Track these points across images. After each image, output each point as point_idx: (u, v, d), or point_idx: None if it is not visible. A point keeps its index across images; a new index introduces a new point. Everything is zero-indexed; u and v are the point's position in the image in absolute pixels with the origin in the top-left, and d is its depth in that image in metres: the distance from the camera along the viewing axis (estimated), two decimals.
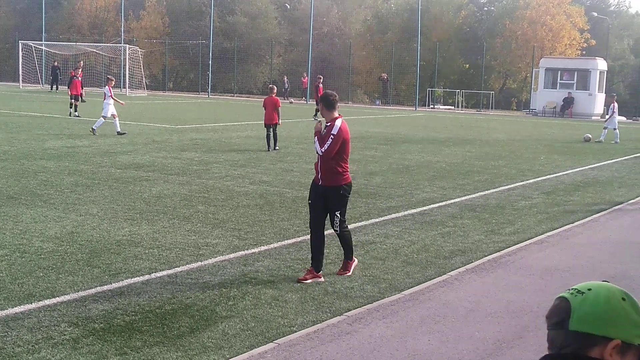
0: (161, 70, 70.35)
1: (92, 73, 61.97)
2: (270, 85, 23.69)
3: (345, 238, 8.68)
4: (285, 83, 62.07)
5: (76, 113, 31.59)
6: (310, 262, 8.53)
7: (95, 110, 35.74)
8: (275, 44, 67.14)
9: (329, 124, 8.66)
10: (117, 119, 24.09)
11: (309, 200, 8.77)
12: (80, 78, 33.76)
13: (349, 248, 8.72)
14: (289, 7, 71.05)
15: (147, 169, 16.34)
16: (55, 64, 57.44)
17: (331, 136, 8.47)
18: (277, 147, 21.51)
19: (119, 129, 23.93)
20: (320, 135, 8.61)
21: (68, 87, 33.81)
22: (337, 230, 8.59)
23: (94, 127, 23.99)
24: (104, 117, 24.16)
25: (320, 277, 8.35)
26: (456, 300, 7.87)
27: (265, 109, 21.78)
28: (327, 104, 8.71)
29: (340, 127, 8.52)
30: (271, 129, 21.42)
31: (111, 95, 24.38)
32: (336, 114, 8.70)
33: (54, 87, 54.81)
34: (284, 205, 12.87)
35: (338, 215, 8.49)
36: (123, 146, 20.58)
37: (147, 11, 71.06)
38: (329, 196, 8.52)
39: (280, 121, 21.67)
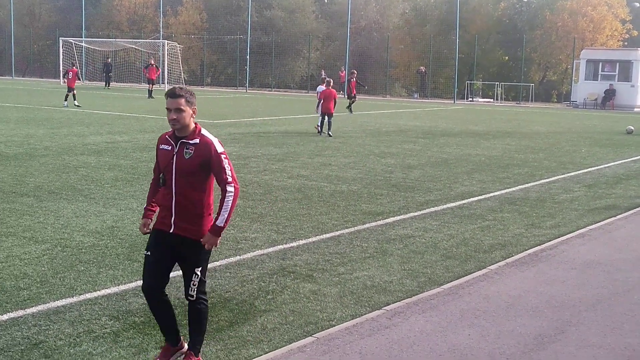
0: (199, 66, 70.78)
1: (131, 69, 62.61)
2: (328, 79, 26.54)
3: (200, 311, 5.87)
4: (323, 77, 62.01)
5: (75, 102, 34.13)
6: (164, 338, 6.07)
7: (132, 105, 36.09)
8: (313, 38, 67.17)
9: (186, 137, 5.69)
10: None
11: (146, 250, 5.94)
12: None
13: (199, 330, 5.88)
14: (326, 0, 71.03)
15: None
16: (108, 60, 58.23)
17: (221, 156, 5.65)
18: (330, 134, 24.10)
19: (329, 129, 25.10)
20: (182, 158, 5.65)
21: (67, 79, 36.35)
22: (191, 297, 5.81)
23: (320, 128, 25.11)
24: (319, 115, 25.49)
25: (184, 347, 6.01)
26: (496, 295, 7.80)
27: (323, 100, 24.71)
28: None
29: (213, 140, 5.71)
30: (325, 117, 24.40)
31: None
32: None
33: (108, 83, 55.72)
34: (322, 199, 12.86)
35: (199, 273, 5.80)
36: None
37: (185, 7, 71.52)
38: (185, 250, 5.77)
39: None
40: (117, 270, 8.14)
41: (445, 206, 12.66)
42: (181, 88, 5.70)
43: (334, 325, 6.75)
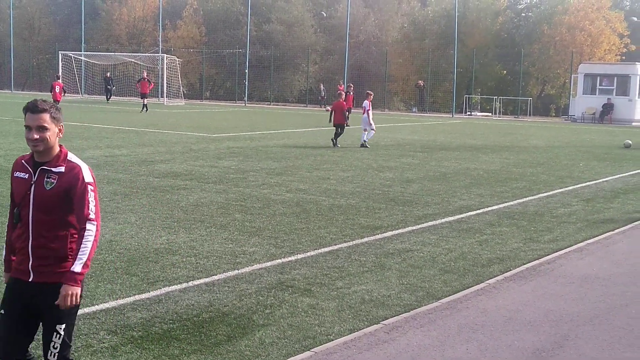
0: (198, 79, 70.94)
1: (131, 83, 62.73)
2: (339, 92, 28.72)
3: None
4: (322, 91, 62.20)
5: None
6: None
7: (131, 119, 36.18)
8: (312, 52, 67.33)
9: (49, 163, 4.70)
10: (367, 132, 26.02)
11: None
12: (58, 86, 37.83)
13: None
14: (325, 15, 71.23)
15: (184, 178, 16.45)
16: (108, 75, 58.35)
17: (88, 187, 4.67)
18: (337, 145, 25.29)
19: (365, 140, 25.82)
20: (42, 188, 4.63)
21: (53, 93, 37.78)
22: None
23: (364, 140, 25.70)
24: (373, 129, 26.21)
25: None
26: (494, 309, 7.80)
27: (334, 112, 26.43)
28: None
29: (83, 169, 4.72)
30: (339, 128, 25.75)
31: (369, 110, 26.39)
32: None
33: (108, 97, 55.69)
34: (321, 213, 12.87)
35: (61, 332, 4.69)
36: (161, 155, 20.75)
37: (184, 21, 71.73)
38: (46, 301, 4.64)
39: (347, 122, 26.26)
40: (115, 285, 8.14)
41: (443, 220, 12.67)
42: (44, 101, 4.68)
43: (332, 340, 6.75)
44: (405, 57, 64.98)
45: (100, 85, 62.35)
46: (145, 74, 49.06)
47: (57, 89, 36.16)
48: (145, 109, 43.76)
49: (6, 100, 52.44)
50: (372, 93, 28.49)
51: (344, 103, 26.95)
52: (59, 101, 35.72)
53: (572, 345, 6.79)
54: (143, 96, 45.12)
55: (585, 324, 7.41)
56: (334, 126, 26.06)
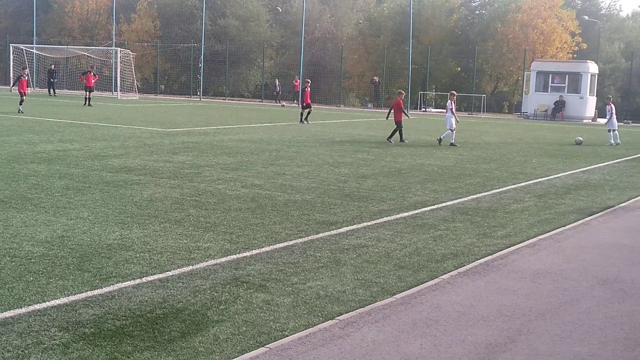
0: (152, 74, 70.34)
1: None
2: (399, 90, 30.03)
3: None
4: (277, 86, 62.11)
5: (20, 107, 34.68)
6: None
7: (83, 113, 35.72)
8: (267, 47, 67.18)
9: None
10: (454, 132, 26.76)
11: None
12: (27, 77, 37.52)
13: None
14: (280, 10, 71.10)
15: (138, 173, 16.29)
16: (52, 67, 57.40)
17: None
18: (391, 141, 26.70)
19: (453, 141, 26.48)
20: None
21: (15, 86, 37.61)
22: None
23: (441, 138, 26.68)
24: (451, 129, 26.48)
25: None
26: (448, 304, 7.86)
27: (393, 110, 27.68)
28: None
29: None
30: (399, 125, 27.10)
31: (452, 109, 26.70)
32: None
33: (51, 90, 54.80)
34: (276, 208, 12.84)
35: None
36: (114, 149, 20.52)
37: (138, 14, 71.07)
38: None
39: (405, 116, 27.91)
40: (67, 281, 8.03)
41: (398, 216, 12.72)
42: None
43: (287, 336, 6.74)
44: (360, 54, 65.20)
45: (45, 79, 61.46)
46: (91, 67, 48.31)
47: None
48: (87, 102, 43.35)
49: None
50: (455, 93, 29.18)
51: (401, 101, 27.97)
52: (24, 93, 35.58)
53: (524, 340, 6.86)
54: (88, 89, 44.46)
55: (538, 318, 7.50)
56: (395, 124, 27.21)
